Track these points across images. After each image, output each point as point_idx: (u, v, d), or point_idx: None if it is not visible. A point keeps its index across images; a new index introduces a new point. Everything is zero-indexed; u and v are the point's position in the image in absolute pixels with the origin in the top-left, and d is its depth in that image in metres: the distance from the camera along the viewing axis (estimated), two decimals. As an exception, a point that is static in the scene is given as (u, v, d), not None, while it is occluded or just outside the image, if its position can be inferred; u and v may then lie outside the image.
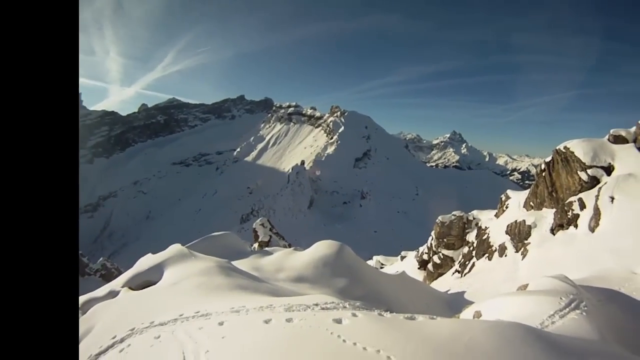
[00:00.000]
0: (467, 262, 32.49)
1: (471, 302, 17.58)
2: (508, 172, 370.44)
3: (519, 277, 21.81)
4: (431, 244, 38.57)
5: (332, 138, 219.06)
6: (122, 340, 8.93)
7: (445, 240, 36.77)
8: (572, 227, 22.72)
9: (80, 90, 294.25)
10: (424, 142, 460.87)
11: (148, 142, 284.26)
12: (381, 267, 42.25)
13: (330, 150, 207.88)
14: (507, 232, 28.57)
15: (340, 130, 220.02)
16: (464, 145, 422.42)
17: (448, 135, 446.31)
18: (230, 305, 8.64)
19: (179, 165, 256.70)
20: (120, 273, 47.03)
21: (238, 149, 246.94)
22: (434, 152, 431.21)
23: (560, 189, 26.20)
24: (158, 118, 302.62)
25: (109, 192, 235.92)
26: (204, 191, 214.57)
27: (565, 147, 26.05)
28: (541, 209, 27.63)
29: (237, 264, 16.56)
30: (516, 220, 27.88)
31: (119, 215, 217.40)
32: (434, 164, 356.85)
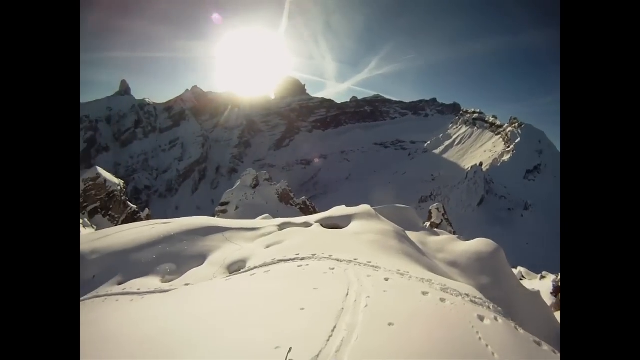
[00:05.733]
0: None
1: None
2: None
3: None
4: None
5: (509, 147, 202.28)
6: (302, 259, 9.31)
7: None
8: None
9: (304, 83, 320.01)
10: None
11: (356, 124, 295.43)
12: (521, 279, 38.48)
13: (505, 157, 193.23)
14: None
15: (516, 141, 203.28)
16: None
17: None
18: (397, 267, 8.39)
19: (379, 146, 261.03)
20: (315, 212, 49.66)
21: (428, 142, 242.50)
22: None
23: None
24: (365, 108, 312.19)
25: (320, 154, 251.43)
26: (395, 170, 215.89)
27: None
28: None
29: (409, 234, 16.10)
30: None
31: (325, 172, 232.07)
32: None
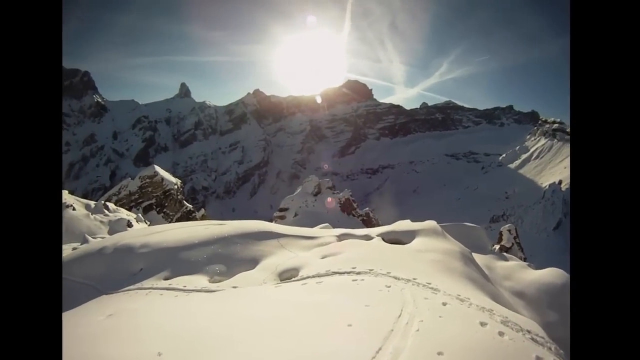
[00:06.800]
0: None
1: None
2: None
3: None
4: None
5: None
6: (358, 273, 9.19)
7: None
8: None
9: (370, 87, 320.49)
10: None
11: (426, 133, 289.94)
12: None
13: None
14: None
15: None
16: None
17: None
18: (458, 292, 8.17)
19: (450, 157, 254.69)
20: (378, 224, 49.17)
21: (504, 155, 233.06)
22: None
23: None
24: (436, 115, 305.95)
25: (387, 164, 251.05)
26: (467, 184, 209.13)
27: None
28: None
29: (475, 256, 15.61)
30: None
31: (391, 183, 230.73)
32: None
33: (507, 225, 33.66)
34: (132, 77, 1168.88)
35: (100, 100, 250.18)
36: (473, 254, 15.42)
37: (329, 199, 51.42)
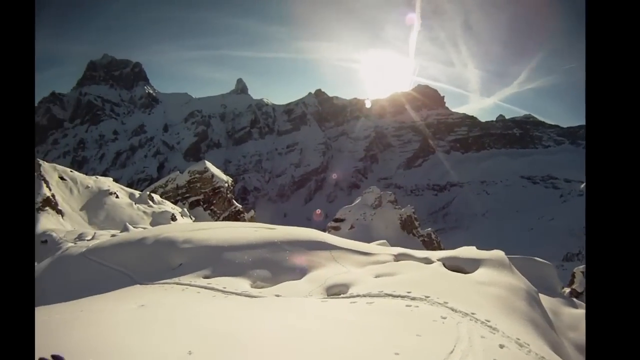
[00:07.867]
0: None
1: None
2: None
3: None
4: None
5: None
6: (413, 298, 9.05)
7: None
8: None
9: (443, 94, 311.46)
10: None
11: (502, 150, 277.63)
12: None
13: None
14: None
15: None
16: None
17: None
18: (518, 335, 7.92)
19: (526, 180, 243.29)
20: (439, 247, 48.29)
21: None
22: None
23: None
24: (514, 130, 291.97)
25: (457, 181, 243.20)
26: (542, 214, 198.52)
27: None
28: None
29: (542, 297, 14.99)
30: None
31: (459, 203, 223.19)
32: None
33: (581, 267, 31.66)
34: (185, 70, 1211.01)
35: (151, 92, 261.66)
36: (540, 294, 14.81)
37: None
